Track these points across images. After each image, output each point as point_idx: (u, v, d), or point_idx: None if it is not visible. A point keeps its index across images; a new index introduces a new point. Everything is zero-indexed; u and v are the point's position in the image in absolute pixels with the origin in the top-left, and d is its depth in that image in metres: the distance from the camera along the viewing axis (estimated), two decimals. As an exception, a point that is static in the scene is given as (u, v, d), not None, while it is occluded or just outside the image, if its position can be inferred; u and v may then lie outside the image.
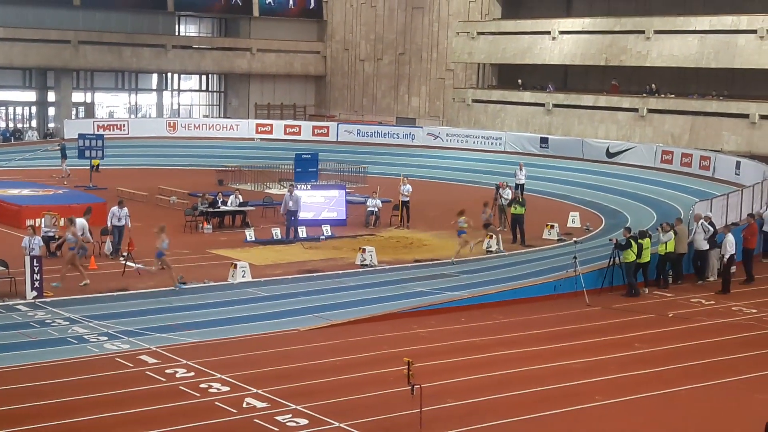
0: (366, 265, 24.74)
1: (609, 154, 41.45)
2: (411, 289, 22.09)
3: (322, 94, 60.49)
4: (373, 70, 56.96)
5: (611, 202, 36.14)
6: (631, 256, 22.19)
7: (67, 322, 18.46)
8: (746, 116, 38.46)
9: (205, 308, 20.05)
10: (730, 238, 22.97)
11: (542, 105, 45.95)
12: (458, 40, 50.17)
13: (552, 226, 29.65)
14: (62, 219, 26.81)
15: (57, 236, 25.24)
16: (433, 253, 27.01)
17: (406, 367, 12.71)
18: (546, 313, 20.49)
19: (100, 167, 40.13)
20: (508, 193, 30.63)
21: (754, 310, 21.00)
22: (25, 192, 32.29)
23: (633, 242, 22.23)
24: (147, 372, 15.57)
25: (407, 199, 31.29)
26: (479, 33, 49.01)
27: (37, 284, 20.38)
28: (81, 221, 24.12)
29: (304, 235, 28.80)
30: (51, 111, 53.60)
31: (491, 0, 50.27)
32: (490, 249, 27.21)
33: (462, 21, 50.65)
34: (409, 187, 31.40)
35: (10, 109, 53.56)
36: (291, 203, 28.97)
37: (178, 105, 59.48)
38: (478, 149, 46.06)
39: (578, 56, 44.96)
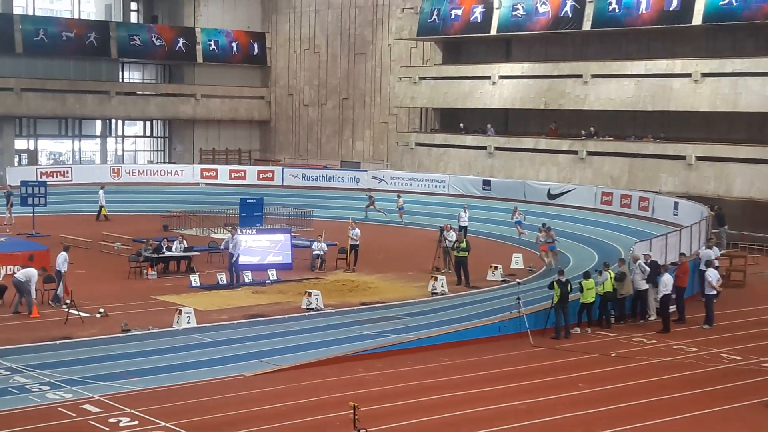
0: (312, 308, 24.74)
1: (550, 196, 42.06)
2: (357, 332, 22.11)
3: (266, 138, 60.61)
4: (317, 115, 57.29)
5: (554, 243, 36.62)
6: (554, 297, 22.54)
7: (9, 372, 18.16)
8: (683, 158, 39.32)
9: (150, 355, 19.89)
10: (664, 278, 23.46)
11: (484, 148, 46.55)
12: (401, 85, 50.75)
13: (495, 268, 29.93)
14: (4, 267, 26.51)
15: (-2, 285, 24.98)
16: (380, 295, 27.12)
17: (353, 411, 12.73)
18: (491, 354, 20.62)
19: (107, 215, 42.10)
20: (452, 236, 30.94)
21: (695, 349, 21.37)
22: (-34, 241, 31.74)
23: (556, 284, 22.54)
24: (90, 421, 15.38)
25: (356, 242, 31.45)
26: (421, 78, 49.63)
27: (-22, 334, 20.05)
28: (31, 271, 24.15)
29: (250, 280, 28.77)
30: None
31: (432, 46, 51.00)
32: (435, 291, 27.41)
33: (404, 66, 51.28)
34: (357, 231, 31.60)
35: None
36: (231, 246, 29.02)
37: (122, 151, 59.13)
38: (422, 192, 46.42)
39: (518, 100, 45.70)
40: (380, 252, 34.26)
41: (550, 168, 43.96)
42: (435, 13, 47.75)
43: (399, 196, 43.43)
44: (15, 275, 24.39)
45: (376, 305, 25.69)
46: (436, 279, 27.83)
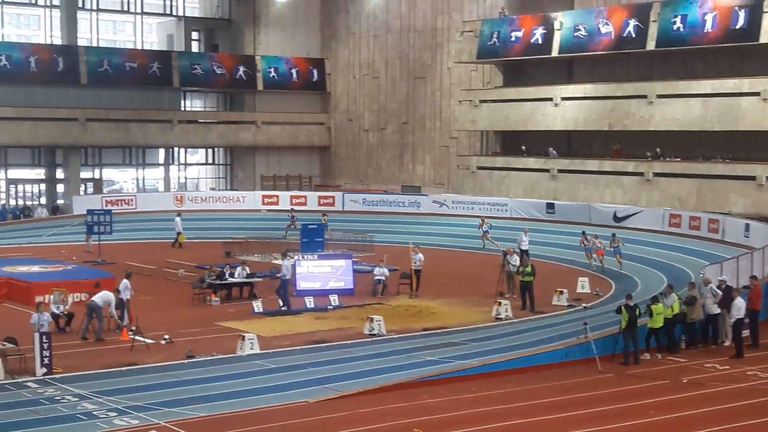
0: (374, 334, 24.58)
1: (616, 219, 41.36)
2: (420, 358, 21.89)
3: (327, 164, 60.81)
4: (377, 140, 57.32)
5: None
6: (622, 322, 22.08)
7: (77, 399, 18.30)
8: (753, 178, 38.39)
9: (214, 381, 19.88)
10: (737, 302, 22.80)
11: (547, 171, 46.06)
12: (461, 108, 50.55)
13: (561, 292, 29.48)
14: (71, 295, 26.81)
15: (65, 312, 25.25)
16: (442, 321, 26.85)
17: (418, 438, 12.52)
18: (557, 380, 20.25)
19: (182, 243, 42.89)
20: (515, 260, 30.58)
21: (770, 374, 20.81)
22: (35, 269, 32.23)
23: (624, 309, 22.08)
24: (155, 448, 15.41)
25: (419, 267, 31.21)
26: (482, 101, 49.37)
27: (46, 361, 20.29)
28: (108, 294, 24.61)
29: (312, 305, 28.73)
30: (60, 188, 53.88)
31: (492, 68, 50.76)
32: (499, 316, 27.06)
33: (464, 89, 51.09)
34: (420, 255, 31.36)
35: (20, 187, 53.89)
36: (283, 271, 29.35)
37: (185, 179, 59.80)
38: (484, 216, 45.98)
39: (581, 122, 45.20)
40: (442, 277, 33.99)
41: (615, 190, 43.30)
42: (495, 35, 47.51)
43: (324, 215, 44.77)
44: (92, 299, 24.69)
45: (439, 331, 25.43)
46: (500, 304, 27.47)
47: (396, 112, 55.95)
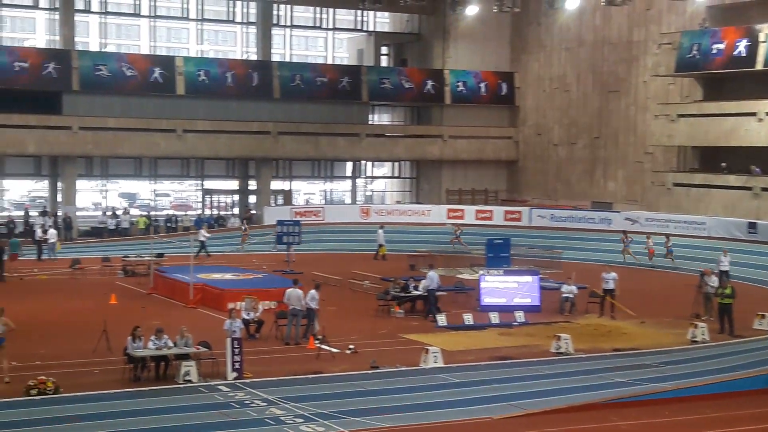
0: (561, 353, 23.91)
1: (827, 241, 38.77)
2: (610, 379, 21.17)
3: (514, 178, 60.03)
4: (566, 155, 56.10)
5: (829, 291, 33.70)
6: None
7: (265, 404, 18.66)
8: None
9: (398, 393, 19.84)
10: None
11: (749, 188, 43.71)
12: (657, 122, 48.74)
13: (763, 316, 27.88)
14: (261, 302, 27.42)
15: (256, 319, 25.85)
16: (634, 342, 25.87)
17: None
18: (758, 408, 19.06)
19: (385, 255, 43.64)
20: (713, 281, 29.09)
21: None
22: (228, 276, 33.31)
23: None
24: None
25: (612, 287, 30.08)
26: (679, 115, 47.39)
27: (237, 365, 20.82)
28: (299, 291, 25.30)
29: (497, 321, 28.25)
30: (252, 198, 55.68)
31: (691, 82, 48.70)
32: (695, 339, 25.77)
33: (661, 103, 49.23)
34: (614, 274, 30.23)
35: (215, 197, 56.09)
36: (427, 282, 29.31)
37: (371, 191, 60.50)
38: (679, 234, 44.06)
39: (788, 137, 42.69)
40: (634, 297, 32.74)
41: (826, 210, 40.56)
42: (695, 48, 45.51)
43: (243, 222, 46.51)
44: (293, 306, 25.29)
45: (631, 352, 24.49)
46: (696, 326, 26.20)
47: (587, 127, 54.60)
